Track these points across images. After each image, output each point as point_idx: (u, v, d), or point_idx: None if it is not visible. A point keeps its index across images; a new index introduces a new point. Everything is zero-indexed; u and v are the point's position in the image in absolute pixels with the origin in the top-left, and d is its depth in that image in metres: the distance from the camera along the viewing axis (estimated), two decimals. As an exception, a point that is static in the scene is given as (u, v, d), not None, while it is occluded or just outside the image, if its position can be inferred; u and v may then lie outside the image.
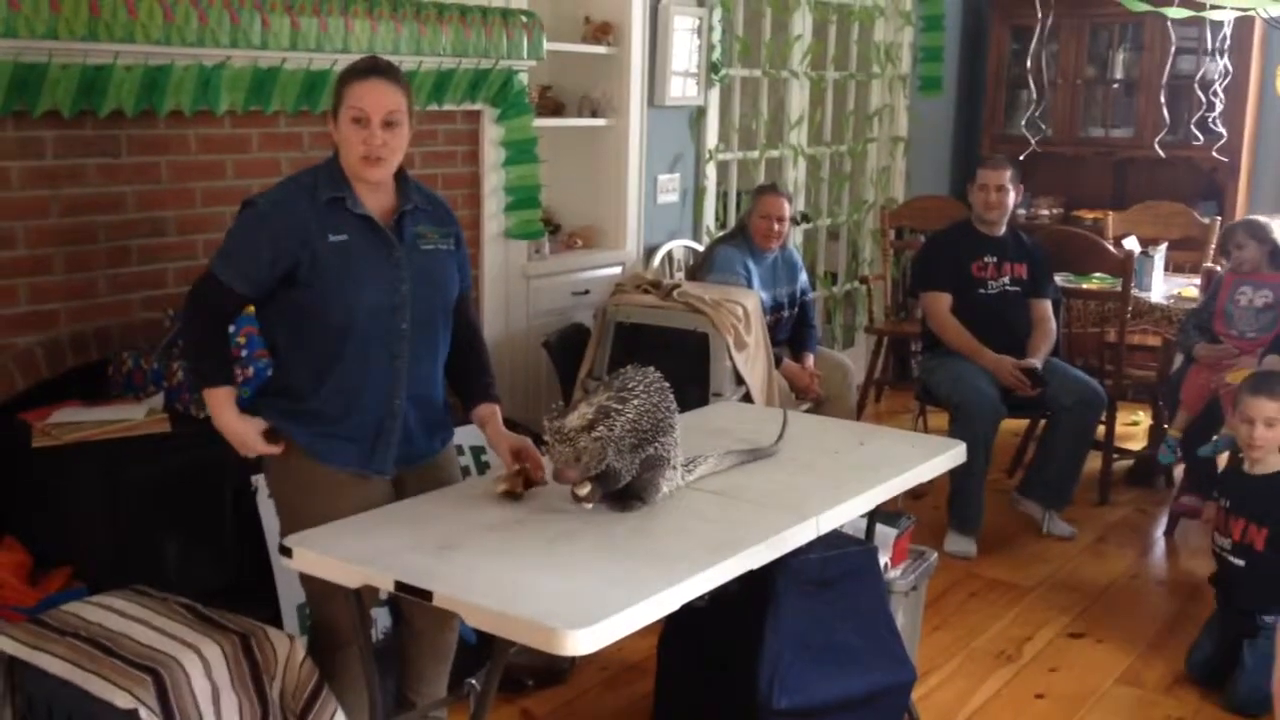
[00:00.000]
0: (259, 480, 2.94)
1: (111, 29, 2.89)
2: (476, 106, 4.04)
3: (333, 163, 2.48)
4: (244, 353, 3.05)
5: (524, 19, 4.00)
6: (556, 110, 4.64)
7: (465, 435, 3.45)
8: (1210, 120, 5.96)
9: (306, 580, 2.48)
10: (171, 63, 3.07)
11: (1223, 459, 4.40)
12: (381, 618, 3.06)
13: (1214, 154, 6.00)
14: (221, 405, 2.44)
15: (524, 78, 4.14)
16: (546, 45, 4.12)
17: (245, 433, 2.45)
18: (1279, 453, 3.34)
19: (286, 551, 2.22)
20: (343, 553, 2.18)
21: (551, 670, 3.19)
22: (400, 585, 2.07)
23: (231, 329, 3.05)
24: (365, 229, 2.45)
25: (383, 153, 2.42)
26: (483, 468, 3.49)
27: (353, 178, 2.45)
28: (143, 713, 2.11)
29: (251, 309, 3.09)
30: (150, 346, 3.21)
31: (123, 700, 2.11)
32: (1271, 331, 4.17)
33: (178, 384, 3.06)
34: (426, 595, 2.03)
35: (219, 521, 2.98)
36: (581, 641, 1.89)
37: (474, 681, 2.26)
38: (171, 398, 3.09)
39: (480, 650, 2.66)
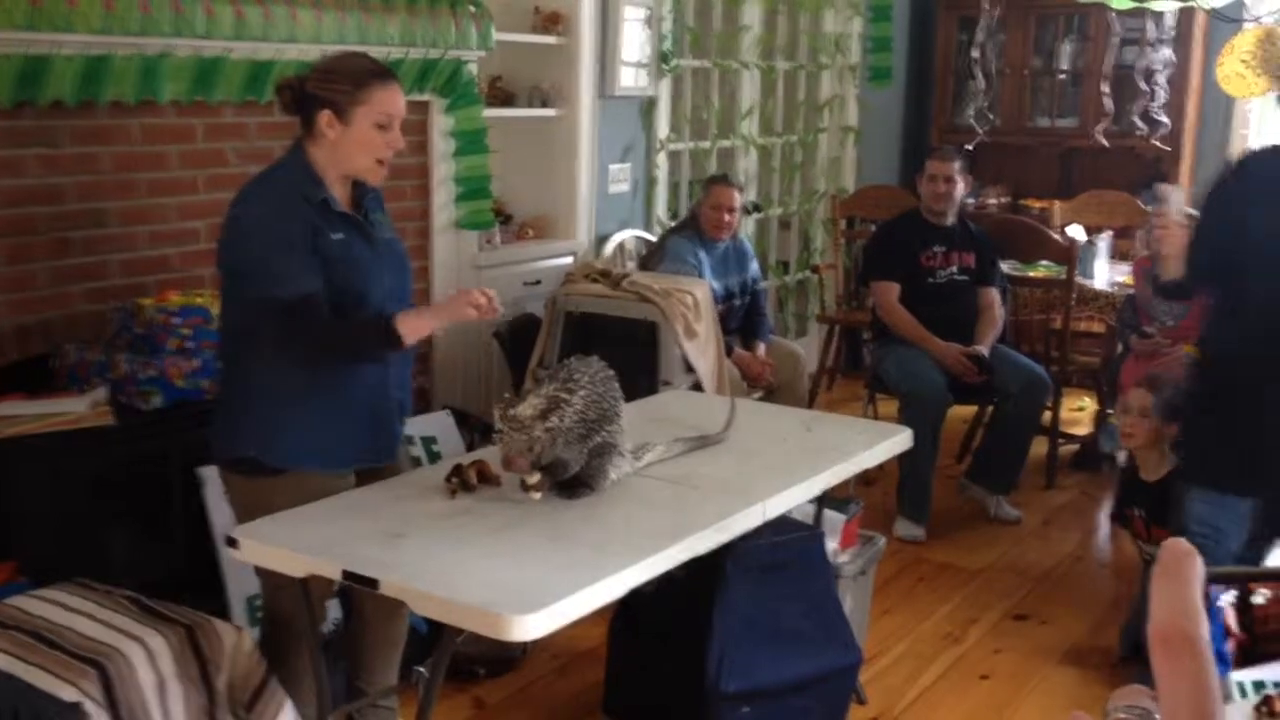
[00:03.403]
0: (205, 473, 2.92)
1: (51, 18, 2.85)
2: (425, 97, 4.02)
3: (303, 162, 2.42)
4: (190, 344, 3.03)
5: (472, 9, 3.99)
6: (506, 100, 4.63)
7: (416, 425, 3.46)
8: (1153, 110, 6.05)
9: (261, 572, 2.47)
10: (113, 52, 3.03)
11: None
12: (332, 609, 3.06)
13: (1157, 143, 6.09)
14: (415, 317, 2.41)
15: (473, 68, 4.13)
16: (495, 35, 4.12)
17: (454, 303, 2.45)
18: (1161, 453, 3.39)
19: (233, 542, 2.22)
20: (289, 543, 2.18)
21: (503, 659, 3.20)
22: (348, 574, 2.07)
23: (176, 320, 3.04)
24: (350, 226, 2.45)
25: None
26: (434, 457, 3.49)
27: (357, 177, 2.45)
28: (87, 705, 2.10)
29: (209, 305, 3.07)
30: (94, 339, 3.18)
31: (67, 693, 2.10)
32: (1187, 316, 4.23)
33: (122, 376, 3.03)
34: (373, 584, 2.03)
35: (164, 514, 2.96)
36: (528, 627, 1.91)
37: (422, 670, 2.26)
38: (116, 390, 3.05)
39: (432, 639, 2.67)
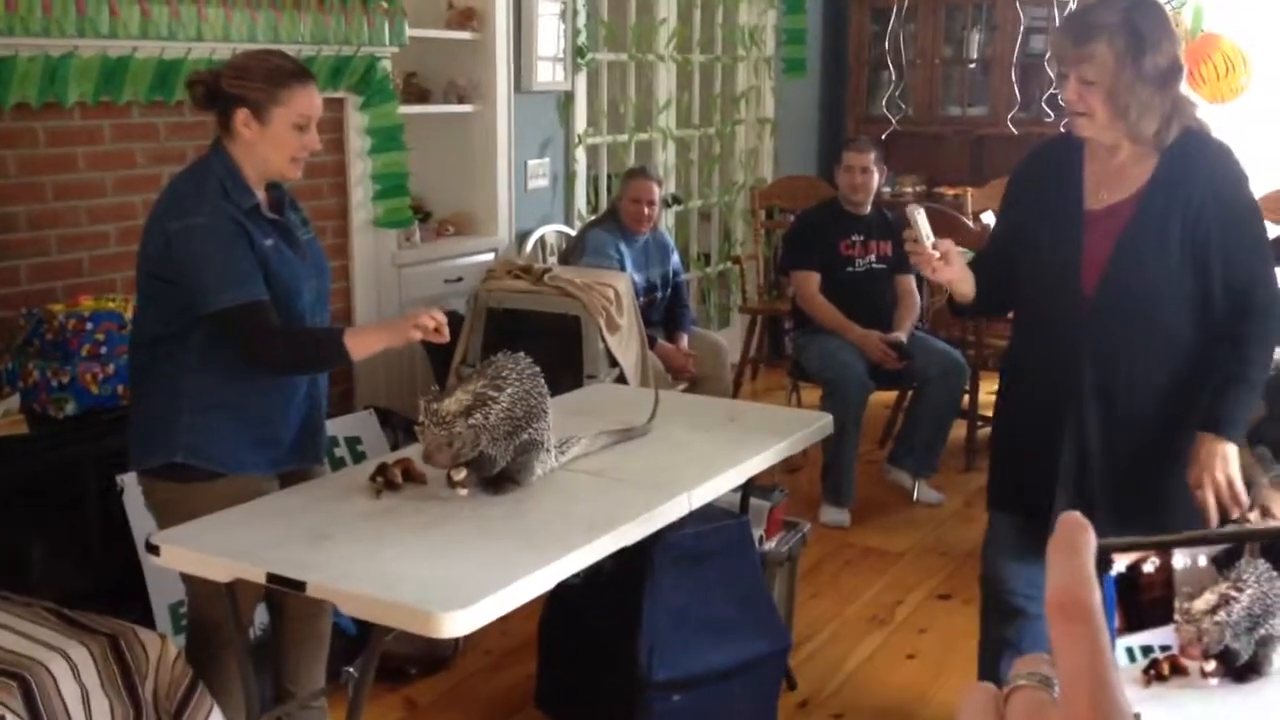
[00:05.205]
0: (124, 479, 2.88)
1: (-51, 19, 2.79)
2: (339, 94, 3.98)
3: (228, 165, 2.38)
4: (103, 349, 2.98)
5: (384, 5, 3.95)
6: (422, 97, 4.60)
7: (340, 426, 3.43)
8: (1059, 97, 6.19)
9: (187, 578, 2.44)
10: (15, 53, 2.97)
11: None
12: (259, 614, 3.02)
13: (1063, 130, 6.22)
14: (364, 335, 2.45)
15: (387, 64, 4.10)
16: (409, 31, 4.09)
17: (401, 325, 2.45)
18: None
19: (154, 549, 2.19)
20: (213, 547, 2.16)
21: (434, 658, 3.19)
22: (273, 577, 2.05)
23: (89, 326, 2.99)
24: (276, 231, 2.43)
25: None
26: (358, 457, 3.47)
27: (272, 177, 2.43)
28: (9, 719, 2.06)
29: (122, 309, 3.02)
30: (4, 346, 3.10)
31: (-14, 708, 2.06)
32: None
33: (34, 384, 2.97)
34: (300, 586, 2.02)
35: (83, 522, 2.91)
36: (457, 623, 1.91)
37: (352, 670, 2.25)
38: (28, 398, 2.99)
39: (361, 640, 2.65)
